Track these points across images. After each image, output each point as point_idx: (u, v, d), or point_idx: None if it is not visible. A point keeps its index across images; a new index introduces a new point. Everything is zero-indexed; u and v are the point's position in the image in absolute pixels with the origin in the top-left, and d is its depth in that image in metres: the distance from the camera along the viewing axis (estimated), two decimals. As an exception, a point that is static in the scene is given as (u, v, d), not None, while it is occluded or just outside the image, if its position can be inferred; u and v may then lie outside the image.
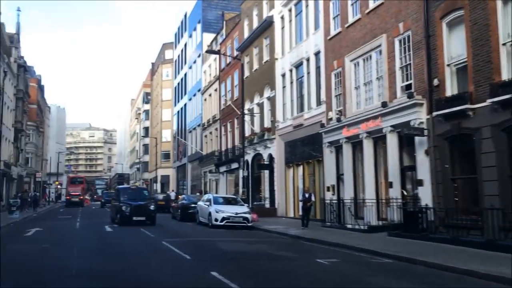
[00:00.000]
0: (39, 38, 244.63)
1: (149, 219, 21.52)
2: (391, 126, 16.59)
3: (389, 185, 16.77)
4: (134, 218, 21.06)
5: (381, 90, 17.95)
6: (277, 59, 27.76)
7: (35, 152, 67.65)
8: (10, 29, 50.99)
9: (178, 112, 57.46)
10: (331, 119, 21.35)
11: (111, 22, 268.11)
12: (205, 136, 43.78)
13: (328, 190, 21.16)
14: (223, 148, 37.75)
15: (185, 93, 53.99)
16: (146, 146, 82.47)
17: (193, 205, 24.47)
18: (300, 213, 24.85)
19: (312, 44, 23.70)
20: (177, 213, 26.10)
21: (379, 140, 17.92)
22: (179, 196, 40.23)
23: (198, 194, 32.88)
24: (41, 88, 74.63)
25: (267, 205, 28.39)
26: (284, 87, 27.12)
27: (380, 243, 13.30)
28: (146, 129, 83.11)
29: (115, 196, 24.15)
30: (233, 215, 20.12)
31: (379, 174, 18.15)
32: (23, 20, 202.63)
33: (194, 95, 48.57)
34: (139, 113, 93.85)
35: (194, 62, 49.01)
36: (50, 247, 13.49)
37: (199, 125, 46.42)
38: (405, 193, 16.47)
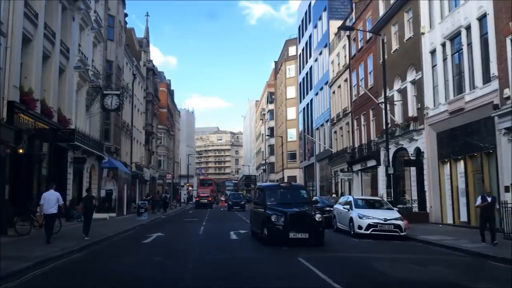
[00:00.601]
0: (164, 43, 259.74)
1: (315, 236, 13.60)
2: None
3: None
4: (292, 235, 13.32)
5: None
6: (423, 33, 23.09)
7: (166, 154, 69.75)
8: (139, 33, 52.47)
9: (304, 109, 54.46)
10: (508, 98, 16.35)
11: (234, 22, 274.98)
12: (335, 132, 40.03)
13: (508, 190, 16.18)
14: (356, 144, 33.70)
15: (310, 88, 50.79)
16: (271, 146, 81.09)
17: (327, 209, 20.95)
18: (463, 219, 20.12)
19: (474, 7, 18.78)
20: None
21: None
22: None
23: (333, 195, 29.33)
24: (170, 93, 77.13)
25: (415, 209, 23.82)
26: (434, 66, 22.36)
27: None
28: (271, 129, 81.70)
29: (258, 199, 16.53)
30: (382, 221, 16.18)
31: None
32: (151, 26, 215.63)
33: (321, 89, 45.10)
34: (264, 114, 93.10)
35: (320, 53, 45.56)
36: (163, 261, 10.99)
37: (327, 121, 42.83)
38: None
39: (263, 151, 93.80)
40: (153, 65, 52.64)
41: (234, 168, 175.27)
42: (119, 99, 27.31)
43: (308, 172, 53.15)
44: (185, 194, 79.71)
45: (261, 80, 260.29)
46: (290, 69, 69.61)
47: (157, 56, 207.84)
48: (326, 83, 43.04)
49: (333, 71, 40.74)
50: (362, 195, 31.67)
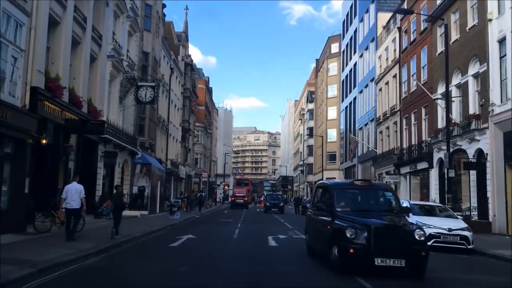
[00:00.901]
0: (204, 43, 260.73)
1: (413, 262, 8.74)
2: None
3: None
4: (379, 262, 8.48)
5: None
6: (490, 20, 20.50)
7: (203, 152, 68.67)
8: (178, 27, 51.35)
9: (346, 108, 52.01)
10: None
11: (274, 22, 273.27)
12: (380, 132, 37.52)
13: None
14: (405, 145, 31.17)
15: (354, 86, 48.33)
16: (310, 147, 78.81)
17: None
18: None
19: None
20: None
21: None
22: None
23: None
24: (209, 90, 76.08)
25: (475, 218, 21.24)
26: (503, 56, 19.75)
27: None
28: (310, 129, 79.37)
29: (321, 202, 11.43)
30: (445, 232, 13.88)
31: None
32: (191, 25, 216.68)
33: (366, 86, 42.62)
34: (303, 114, 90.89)
35: (366, 48, 43.08)
36: (187, 272, 9.22)
37: (371, 120, 40.33)
38: None
39: (301, 152, 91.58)
40: (192, 60, 51.47)
41: (271, 168, 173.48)
42: (154, 92, 25.94)
43: (348, 174, 50.67)
44: (221, 193, 78.43)
45: (299, 81, 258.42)
46: (332, 67, 67.19)
47: (196, 56, 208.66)
48: (372, 80, 40.55)
49: (380, 66, 38.24)
50: (410, 199, 29.18)
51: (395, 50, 34.76)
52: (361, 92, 44.77)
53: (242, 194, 53.58)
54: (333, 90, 66.42)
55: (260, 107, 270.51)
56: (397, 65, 33.30)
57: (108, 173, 24.78)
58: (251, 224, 24.53)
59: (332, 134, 66.69)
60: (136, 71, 27.94)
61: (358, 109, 45.65)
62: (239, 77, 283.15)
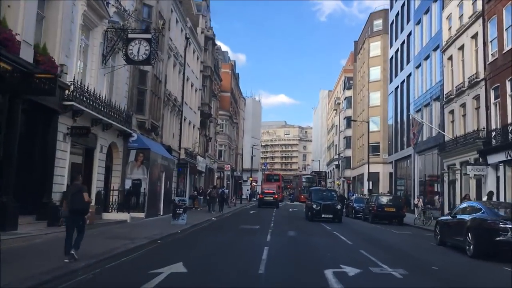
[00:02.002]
0: (234, 40, 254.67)
1: None
2: None
3: None
4: None
5: None
6: None
7: (228, 144, 61.31)
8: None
9: (396, 89, 43.63)
10: None
11: (304, 18, 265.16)
12: (450, 112, 29.21)
13: None
14: (494, 125, 22.90)
15: (407, 62, 39.95)
16: (347, 139, 70.49)
17: (504, 226, 10.91)
18: None
19: None
20: (454, 238, 12.92)
21: None
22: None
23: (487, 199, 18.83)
24: (235, 76, 68.64)
25: None
26: None
27: None
28: (348, 119, 70.98)
29: None
30: None
31: None
32: (222, 24, 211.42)
33: (426, 57, 34.25)
34: (338, 103, 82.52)
35: (426, 11, 34.70)
36: None
37: (436, 99, 32.01)
38: None
39: (336, 145, 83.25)
40: (214, 34, 43.95)
41: (302, 164, 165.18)
42: (150, 47, 18.51)
43: (400, 167, 42.37)
44: (248, 190, 70.79)
45: (330, 77, 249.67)
46: (375, 47, 58.69)
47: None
48: (435, 49, 32.20)
49: (449, 29, 29.85)
50: (505, 199, 21.03)
51: (473, 4, 26.42)
52: (418, 66, 36.38)
53: (271, 191, 46.03)
54: (376, 73, 57.97)
55: (290, 104, 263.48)
56: (479, 21, 24.94)
57: (84, 160, 17.56)
58: (288, 235, 16.93)
59: (375, 123, 58.26)
60: (128, 21, 20.60)
61: (414, 88, 37.25)
62: (268, 74, 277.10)
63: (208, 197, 32.60)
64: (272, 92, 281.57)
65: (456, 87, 27.90)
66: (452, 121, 28.88)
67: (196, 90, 38.47)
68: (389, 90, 46.29)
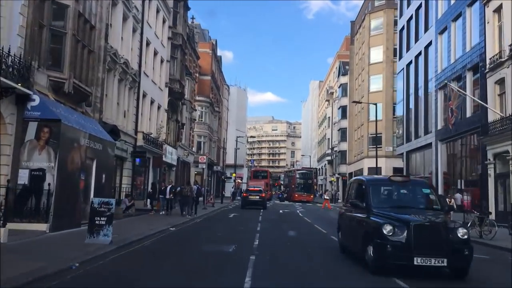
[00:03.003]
0: (221, 38, 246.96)
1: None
2: None
3: None
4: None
5: None
6: None
7: (208, 135, 53.39)
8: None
9: (407, 66, 36.08)
10: None
11: (291, 16, 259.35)
12: (497, 82, 21.70)
13: None
14: None
15: (425, 30, 32.44)
16: (343, 131, 63.00)
17: None
18: None
19: None
20: None
21: None
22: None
23: None
24: (216, 58, 60.61)
25: None
26: None
27: None
28: (343, 108, 63.55)
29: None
30: None
31: None
32: (209, 20, 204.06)
33: (457, 17, 26.73)
34: (332, 92, 75.03)
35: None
36: None
37: (472, 68, 24.52)
38: None
39: (329, 138, 75.79)
40: (187, -4, 35.87)
41: (290, 161, 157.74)
42: None
43: (413, 161, 34.90)
44: (232, 188, 62.76)
45: (317, 74, 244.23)
46: (376, 24, 51.34)
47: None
48: (472, 3, 24.71)
49: (494, -29, 22.35)
50: None
51: None
52: (443, 31, 28.84)
53: (257, 189, 38.17)
54: (377, 54, 50.76)
55: (277, 102, 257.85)
56: None
57: None
58: (283, 257, 9.37)
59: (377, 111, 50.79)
60: None
61: (435, 60, 29.69)
62: (255, 72, 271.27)
63: (180, 197, 24.77)
64: (259, 90, 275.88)
65: (510, 46, 20.33)
66: (501, 94, 21.35)
67: (162, 61, 30.51)
68: (399, 67, 38.73)
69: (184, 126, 37.98)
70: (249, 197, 36.01)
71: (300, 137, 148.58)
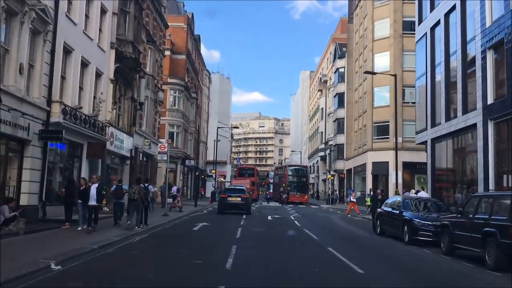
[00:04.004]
0: (208, 37, 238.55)
1: None
2: None
3: None
4: None
5: None
6: None
7: (182, 125, 44.82)
8: None
9: (431, 29, 27.86)
10: None
11: (278, 16, 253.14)
12: None
13: None
14: None
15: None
16: (340, 121, 54.89)
17: None
18: None
19: None
20: None
21: None
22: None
23: None
24: (193, 36, 51.95)
25: None
26: None
27: None
28: (340, 96, 55.44)
29: None
30: None
31: None
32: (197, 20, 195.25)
33: None
34: (326, 80, 66.94)
35: None
36: None
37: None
38: None
39: (322, 132, 67.68)
40: None
41: (278, 159, 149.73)
42: None
43: (441, 151, 26.69)
44: (213, 187, 54.00)
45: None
46: (382, -8, 43.33)
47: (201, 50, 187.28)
48: None
49: None
50: None
51: None
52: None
53: (239, 188, 29.84)
54: (383, 28, 42.76)
55: (264, 101, 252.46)
56: None
57: None
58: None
59: (382, 96, 42.91)
60: None
61: (483, 10, 21.47)
62: (242, 72, 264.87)
63: (115, 203, 16.55)
64: (246, 90, 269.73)
65: None
66: None
67: (105, 12, 21.90)
68: (418, 34, 30.46)
69: (144, 108, 29.38)
70: (228, 199, 27.59)
71: (289, 134, 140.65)
